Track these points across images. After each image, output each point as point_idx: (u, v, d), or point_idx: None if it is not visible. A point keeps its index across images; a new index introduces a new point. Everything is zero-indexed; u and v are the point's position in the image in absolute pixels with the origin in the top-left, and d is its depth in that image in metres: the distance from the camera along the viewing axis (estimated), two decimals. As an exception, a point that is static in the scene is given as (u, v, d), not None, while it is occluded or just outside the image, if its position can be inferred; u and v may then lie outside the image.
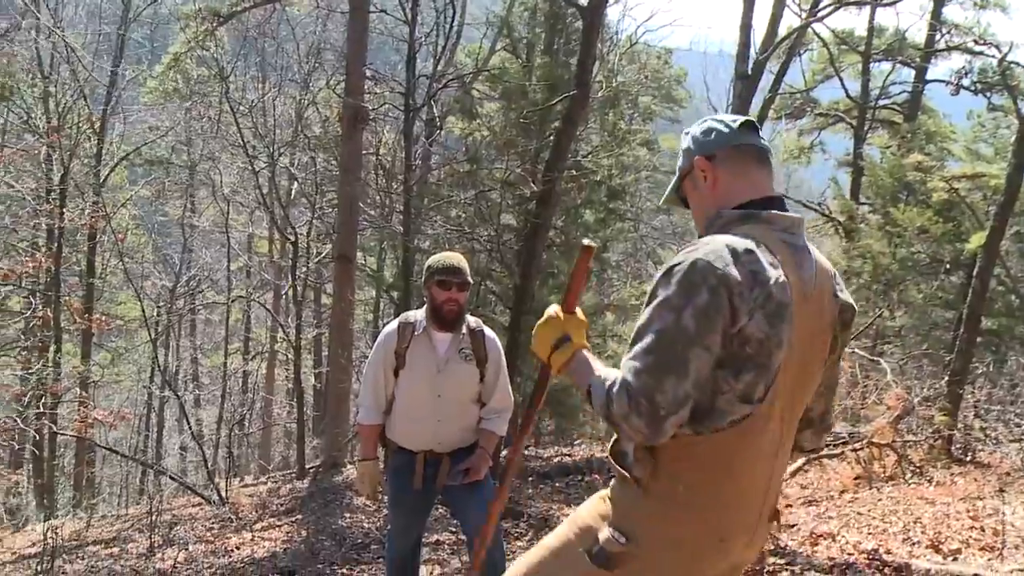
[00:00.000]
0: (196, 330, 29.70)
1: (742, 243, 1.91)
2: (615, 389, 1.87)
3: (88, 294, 22.10)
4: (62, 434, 18.60)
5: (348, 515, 8.66)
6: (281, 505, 10.98)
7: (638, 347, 1.89)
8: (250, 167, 16.94)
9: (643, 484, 2.00)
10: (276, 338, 23.41)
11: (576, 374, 2.06)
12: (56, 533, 9.07)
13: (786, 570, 4.70)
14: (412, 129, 11.94)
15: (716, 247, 1.90)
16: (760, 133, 2.17)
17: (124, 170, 24.90)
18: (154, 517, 10.68)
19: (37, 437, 18.60)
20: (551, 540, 2.21)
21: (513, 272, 11.02)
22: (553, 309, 2.18)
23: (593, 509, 2.14)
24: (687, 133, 2.24)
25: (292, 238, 16.37)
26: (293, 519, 9.72)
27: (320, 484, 11.58)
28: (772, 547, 5.18)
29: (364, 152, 13.68)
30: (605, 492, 2.16)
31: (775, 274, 1.90)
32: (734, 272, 1.85)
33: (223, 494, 12.46)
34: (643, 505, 2.01)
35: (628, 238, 21.52)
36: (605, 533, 2.02)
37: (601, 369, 2.00)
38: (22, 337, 22.73)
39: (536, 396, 2.40)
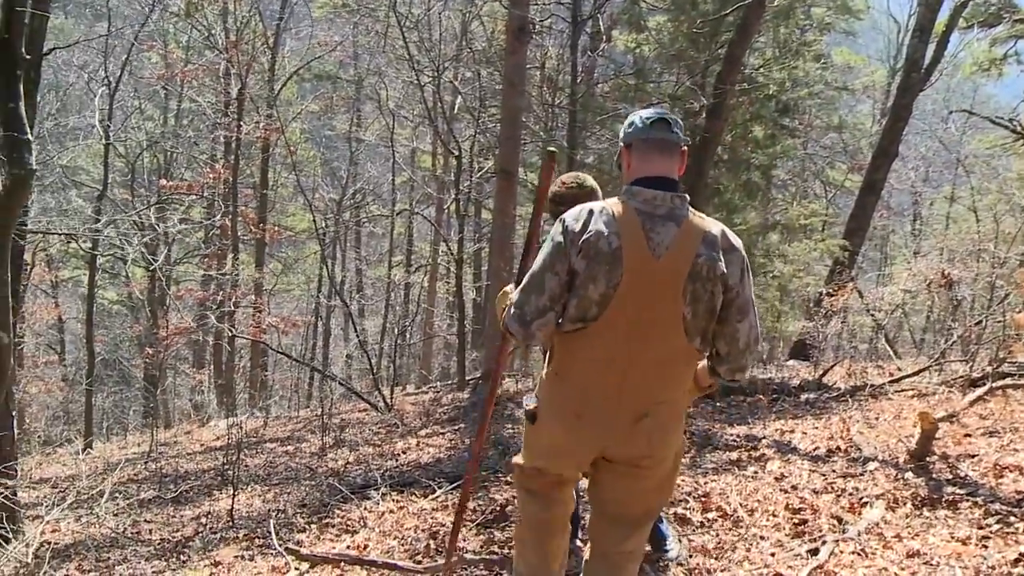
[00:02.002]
0: (361, 242, 30.57)
1: (591, 207, 2.77)
2: (510, 306, 2.87)
3: (261, 205, 23.06)
4: (240, 337, 19.64)
5: (509, 426, 8.82)
6: (444, 414, 11.28)
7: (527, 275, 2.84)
8: (415, 81, 17.07)
9: (547, 366, 2.98)
10: (438, 251, 23.85)
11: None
12: (240, 428, 9.67)
13: (967, 500, 4.50)
14: (578, 41, 11.72)
15: (577, 209, 2.80)
16: (670, 127, 2.85)
17: (294, 85, 25.64)
18: (325, 419, 11.20)
19: (227, 334, 19.72)
20: None
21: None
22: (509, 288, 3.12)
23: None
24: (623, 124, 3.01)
25: (455, 152, 16.47)
26: (456, 427, 9.99)
27: (480, 395, 11.83)
28: (950, 476, 4.97)
29: (528, 66, 13.55)
30: None
31: (601, 230, 2.69)
32: (574, 227, 2.73)
33: (388, 401, 12.92)
34: (544, 379, 2.98)
35: (795, 156, 20.66)
36: (529, 399, 3.03)
37: None
38: (202, 245, 24.02)
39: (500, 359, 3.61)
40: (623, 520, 3.05)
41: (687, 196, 2.80)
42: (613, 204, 2.76)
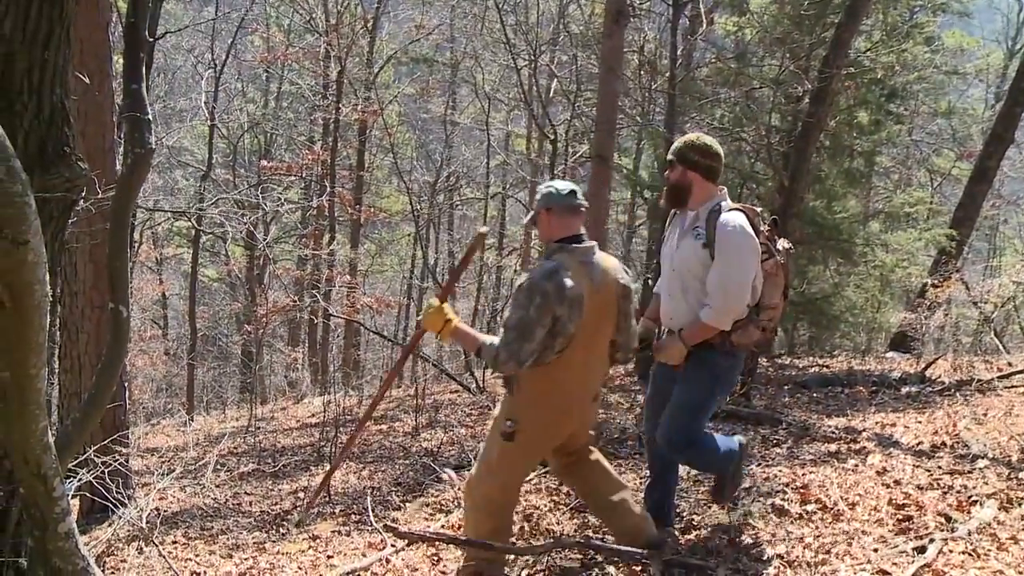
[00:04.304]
0: (454, 224, 30.75)
1: (553, 266, 3.61)
2: (500, 350, 3.58)
3: (357, 186, 23.38)
4: (335, 316, 19.97)
5: (603, 411, 8.79)
6: (536, 397, 11.24)
7: (511, 327, 3.56)
8: (511, 65, 17.06)
9: (515, 392, 3.80)
10: (531, 235, 23.82)
11: (464, 340, 3.82)
12: (337, 405, 9.84)
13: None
14: (678, 25, 11.54)
15: (541, 271, 3.60)
16: (577, 195, 3.79)
17: (391, 68, 25.90)
18: (419, 400, 11.32)
19: (322, 313, 20.08)
20: (488, 435, 3.97)
21: (779, 174, 10.55)
22: (435, 302, 3.85)
23: (498, 412, 3.94)
24: (539, 191, 3.90)
25: (550, 136, 16.42)
26: (547, 411, 9.95)
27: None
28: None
29: (626, 50, 13.38)
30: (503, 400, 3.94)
31: (570, 283, 3.56)
32: (548, 287, 3.53)
33: (480, 383, 12.99)
34: (518, 402, 3.79)
35: (900, 143, 19.97)
36: (503, 421, 3.80)
37: (479, 336, 3.76)
38: (299, 226, 24.50)
39: (410, 347, 4.45)
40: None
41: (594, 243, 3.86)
42: (566, 261, 3.66)
